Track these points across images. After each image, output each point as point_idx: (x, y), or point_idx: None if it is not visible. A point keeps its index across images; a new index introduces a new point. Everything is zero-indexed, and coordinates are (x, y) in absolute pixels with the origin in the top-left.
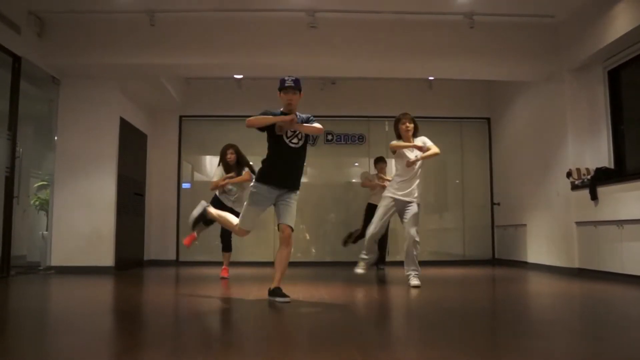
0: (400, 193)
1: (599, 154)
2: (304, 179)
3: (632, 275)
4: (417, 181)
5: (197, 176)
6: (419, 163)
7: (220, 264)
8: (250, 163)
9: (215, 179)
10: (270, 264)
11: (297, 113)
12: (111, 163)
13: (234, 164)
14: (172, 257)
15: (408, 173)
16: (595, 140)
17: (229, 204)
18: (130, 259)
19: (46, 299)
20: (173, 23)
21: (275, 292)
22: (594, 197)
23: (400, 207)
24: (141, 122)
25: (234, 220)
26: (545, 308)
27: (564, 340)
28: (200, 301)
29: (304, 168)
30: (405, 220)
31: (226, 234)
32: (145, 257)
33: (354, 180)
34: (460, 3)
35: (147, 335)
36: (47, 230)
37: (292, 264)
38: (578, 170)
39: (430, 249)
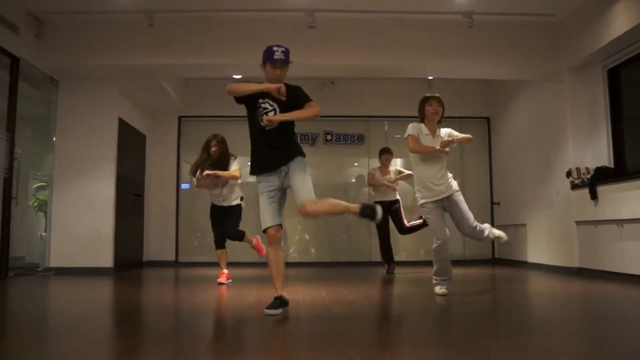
0: (432, 193)
1: (598, 153)
2: None
3: (633, 274)
4: (445, 168)
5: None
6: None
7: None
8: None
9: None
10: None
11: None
12: (110, 164)
13: (216, 157)
14: (172, 258)
15: (433, 166)
16: (595, 140)
17: (218, 202)
18: (129, 260)
19: (45, 300)
20: (172, 23)
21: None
22: (593, 196)
23: (442, 205)
24: (140, 123)
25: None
26: (546, 308)
27: (565, 340)
28: (200, 303)
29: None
30: (457, 217)
31: (217, 229)
32: (145, 258)
33: (353, 180)
34: (459, 2)
35: (146, 337)
36: (45, 232)
37: (291, 265)
38: (578, 169)
39: (430, 249)
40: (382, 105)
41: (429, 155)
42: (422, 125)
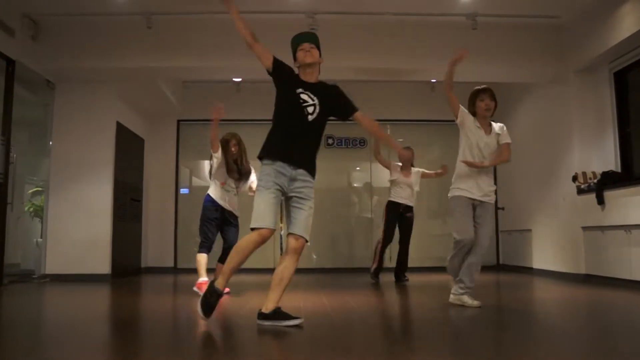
0: (477, 193)
1: (605, 157)
2: None
3: None
4: (492, 172)
5: (196, 181)
6: (489, 145)
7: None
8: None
9: (215, 166)
10: (270, 271)
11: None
12: (107, 168)
13: (237, 157)
14: (170, 264)
15: (479, 160)
16: (601, 144)
17: (225, 202)
18: (127, 267)
19: (41, 308)
20: (170, 25)
21: (278, 314)
22: (600, 201)
23: (474, 208)
24: (138, 127)
25: (238, 250)
26: (552, 315)
27: (572, 349)
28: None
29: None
30: (480, 225)
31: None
32: (143, 265)
33: (355, 185)
34: (462, 4)
35: (144, 345)
36: (41, 238)
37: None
38: (584, 174)
39: (433, 255)
40: (385, 109)
41: (484, 147)
42: (475, 119)
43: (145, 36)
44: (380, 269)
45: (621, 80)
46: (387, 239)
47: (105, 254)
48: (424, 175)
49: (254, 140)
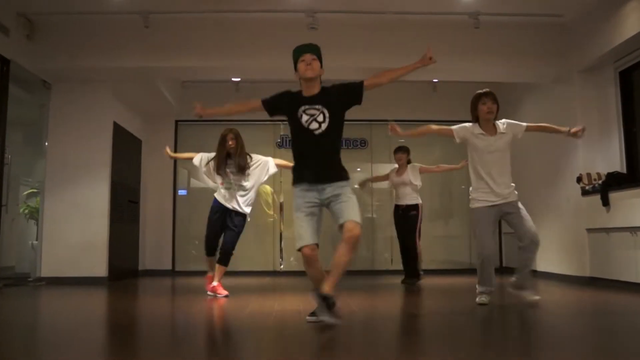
0: (494, 198)
1: (610, 158)
2: None
3: None
4: (508, 173)
5: (194, 183)
6: (500, 153)
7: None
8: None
9: (202, 167)
10: (270, 274)
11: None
12: (104, 169)
13: (233, 151)
14: (168, 266)
15: (493, 165)
16: (606, 144)
17: (226, 201)
18: (124, 269)
19: (36, 312)
20: (168, 25)
21: (327, 301)
22: (605, 203)
23: (499, 213)
24: (136, 127)
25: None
26: (557, 320)
27: (576, 353)
28: (197, 313)
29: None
30: (518, 226)
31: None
32: (140, 267)
33: (355, 187)
34: (465, 3)
35: (142, 349)
36: (37, 240)
37: (292, 274)
38: (589, 175)
39: (436, 258)
40: (385, 109)
41: (486, 149)
42: (475, 125)
43: (142, 35)
44: (412, 274)
45: (626, 80)
46: (401, 244)
47: (102, 256)
48: (425, 170)
49: (254, 140)
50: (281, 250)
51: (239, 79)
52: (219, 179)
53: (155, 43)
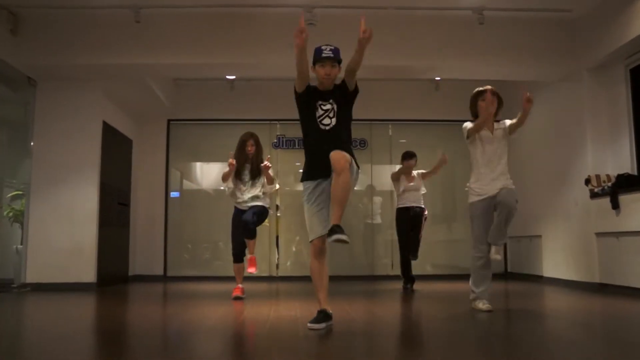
0: (488, 188)
1: (620, 159)
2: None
3: None
4: (504, 165)
5: (187, 184)
6: (498, 142)
7: (211, 279)
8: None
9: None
10: (267, 279)
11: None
12: (93, 171)
13: (253, 157)
14: (160, 272)
15: (491, 160)
16: (616, 145)
17: (245, 205)
18: (113, 275)
19: (21, 319)
20: (160, 20)
21: (334, 230)
22: (615, 205)
23: (494, 201)
24: (126, 127)
25: (310, 270)
26: (565, 327)
27: None
28: (190, 320)
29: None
30: (501, 193)
31: (238, 240)
32: (130, 272)
33: (355, 188)
34: None
35: (133, 358)
36: (21, 244)
37: (290, 279)
38: (598, 177)
39: (438, 262)
40: (386, 108)
41: (487, 141)
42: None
43: (133, 31)
44: (407, 280)
45: (637, 78)
46: (403, 248)
47: (91, 261)
48: (424, 176)
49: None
50: (278, 253)
51: (233, 77)
52: (231, 183)
53: (147, 39)
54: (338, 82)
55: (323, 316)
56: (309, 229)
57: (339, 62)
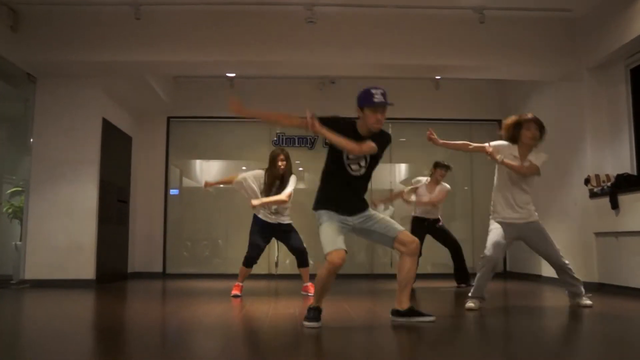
0: (513, 215)
1: (620, 159)
2: (301, 185)
3: None
4: (530, 197)
5: (186, 182)
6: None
7: (211, 276)
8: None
9: (250, 184)
10: (268, 277)
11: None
12: (92, 168)
13: (285, 173)
14: (159, 269)
15: (515, 184)
16: (616, 144)
17: (272, 219)
18: (112, 272)
19: (19, 316)
20: (161, 17)
21: (412, 312)
22: (614, 205)
23: (520, 232)
24: (125, 124)
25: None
26: (563, 327)
27: None
28: (190, 318)
29: (302, 173)
30: (541, 251)
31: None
32: (130, 270)
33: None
34: None
35: (131, 355)
36: (20, 241)
37: (289, 277)
38: (597, 176)
39: (437, 261)
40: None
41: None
42: (514, 147)
43: (133, 28)
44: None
45: (638, 78)
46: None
47: (90, 258)
48: (392, 197)
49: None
50: (277, 251)
51: (233, 75)
52: (257, 197)
53: (147, 36)
54: (384, 131)
55: (317, 313)
56: (327, 242)
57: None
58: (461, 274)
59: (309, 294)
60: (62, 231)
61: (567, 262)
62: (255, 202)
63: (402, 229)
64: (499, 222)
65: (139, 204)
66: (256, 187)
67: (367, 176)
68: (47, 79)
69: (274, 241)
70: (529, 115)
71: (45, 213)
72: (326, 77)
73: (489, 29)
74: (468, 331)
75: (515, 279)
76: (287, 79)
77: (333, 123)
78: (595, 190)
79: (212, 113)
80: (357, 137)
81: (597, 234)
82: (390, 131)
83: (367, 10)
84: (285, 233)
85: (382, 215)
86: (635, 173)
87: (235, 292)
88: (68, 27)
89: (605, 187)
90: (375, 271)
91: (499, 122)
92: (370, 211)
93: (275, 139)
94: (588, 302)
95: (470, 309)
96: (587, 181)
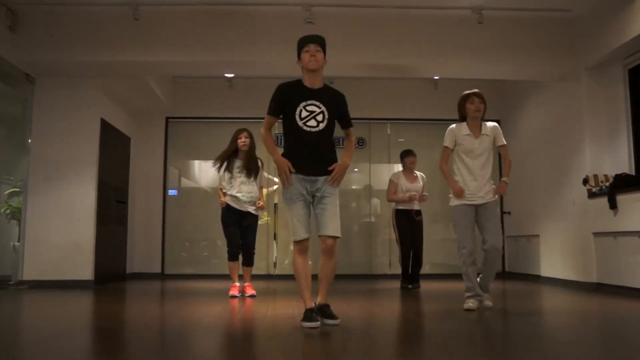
0: (473, 195)
1: (618, 159)
2: None
3: None
4: (489, 174)
5: (185, 182)
6: (484, 155)
7: (209, 277)
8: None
9: (220, 175)
10: (264, 277)
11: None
12: (91, 168)
13: (246, 151)
14: (157, 269)
15: (475, 166)
16: (614, 144)
17: (245, 207)
18: (111, 272)
19: (17, 317)
20: (159, 17)
21: (323, 310)
22: (613, 205)
23: (475, 212)
24: (124, 124)
25: (294, 270)
26: (562, 327)
27: None
28: (188, 318)
29: None
30: (486, 227)
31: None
32: (128, 270)
33: (353, 187)
34: None
35: (129, 356)
36: (19, 241)
37: (287, 277)
38: (596, 176)
39: (436, 261)
40: (385, 107)
41: (471, 152)
42: (463, 125)
43: (132, 28)
44: (407, 278)
45: (636, 78)
46: (405, 248)
47: (88, 259)
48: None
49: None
50: (276, 251)
51: (232, 75)
52: (226, 180)
53: (145, 36)
54: (337, 90)
55: (314, 314)
56: (294, 229)
57: (323, 49)
58: (414, 276)
59: (247, 295)
60: (61, 232)
61: (499, 248)
62: (262, 204)
63: (329, 234)
64: (457, 206)
65: (138, 205)
66: (227, 177)
67: (326, 133)
68: (45, 80)
69: (273, 241)
70: (473, 90)
71: (43, 214)
72: (325, 77)
73: (488, 29)
74: (468, 331)
75: (514, 279)
76: (285, 79)
77: (278, 94)
78: (593, 190)
79: (210, 113)
80: (306, 92)
81: (596, 234)
82: (388, 131)
83: (365, 10)
84: (246, 224)
85: (329, 207)
86: (633, 173)
87: (232, 292)
88: (67, 28)
89: (603, 187)
90: (373, 271)
91: (498, 122)
92: (331, 194)
93: (274, 138)
94: (490, 303)
95: (469, 309)
96: (585, 181)
